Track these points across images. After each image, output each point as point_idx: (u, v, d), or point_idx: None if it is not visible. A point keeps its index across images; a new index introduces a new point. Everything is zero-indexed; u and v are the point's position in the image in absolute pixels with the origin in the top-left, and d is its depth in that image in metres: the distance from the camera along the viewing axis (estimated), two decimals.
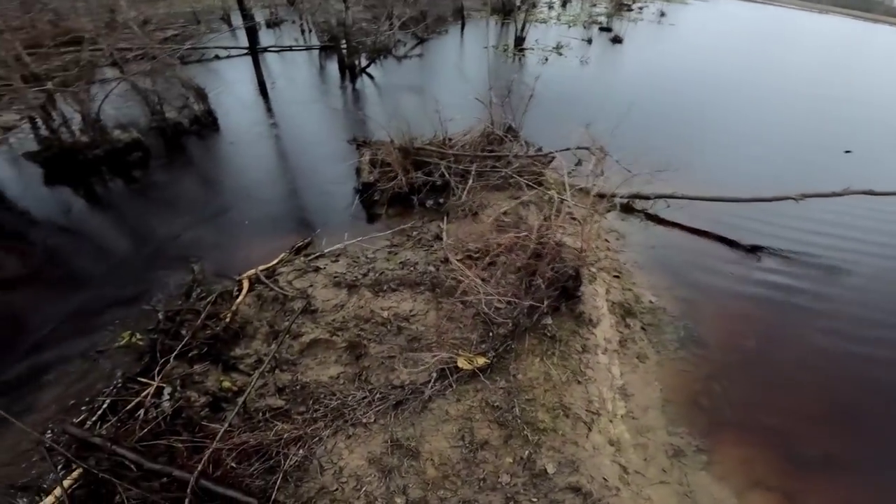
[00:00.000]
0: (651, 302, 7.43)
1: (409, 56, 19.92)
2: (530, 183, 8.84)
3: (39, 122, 11.10)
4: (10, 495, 4.17)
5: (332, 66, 19.41)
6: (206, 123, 12.25)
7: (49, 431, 4.56)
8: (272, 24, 29.84)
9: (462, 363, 5.31)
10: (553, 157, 9.88)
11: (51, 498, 3.86)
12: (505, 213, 8.07)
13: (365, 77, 17.49)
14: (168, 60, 12.47)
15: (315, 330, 5.74)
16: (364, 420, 4.75)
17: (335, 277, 6.71)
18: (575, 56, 21.58)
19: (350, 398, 4.95)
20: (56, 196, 9.16)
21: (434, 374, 5.18)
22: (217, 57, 21.08)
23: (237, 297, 6.41)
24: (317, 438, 4.55)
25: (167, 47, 17.44)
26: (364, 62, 18.12)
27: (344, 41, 18.06)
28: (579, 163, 9.74)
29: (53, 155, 9.75)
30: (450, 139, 9.74)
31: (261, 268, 6.94)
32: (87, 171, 9.77)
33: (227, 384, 5.03)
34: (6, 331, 6.25)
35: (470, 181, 8.75)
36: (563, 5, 36.77)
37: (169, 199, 9.22)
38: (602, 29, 29.44)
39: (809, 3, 65.34)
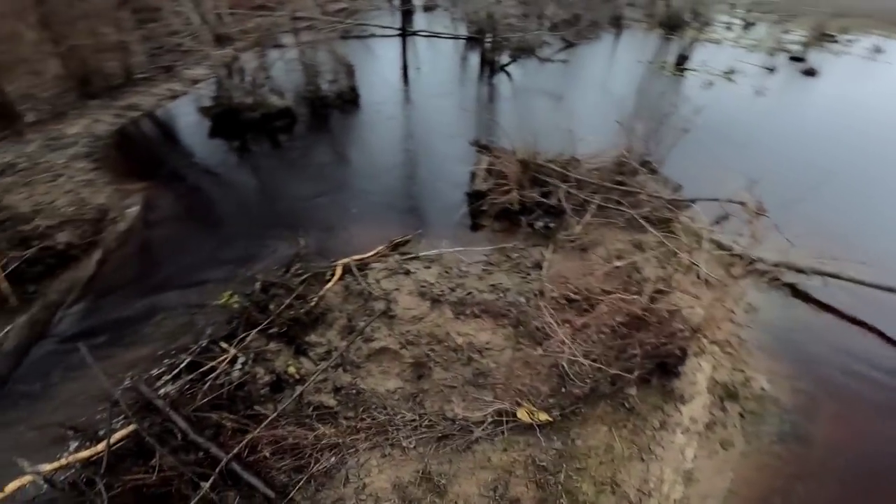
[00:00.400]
0: (762, 389, 6.17)
1: (553, 60, 19.02)
2: (657, 230, 7.80)
3: (220, 80, 12.86)
4: (64, 434, 4.64)
5: (474, 59, 19.40)
6: (349, 99, 13.15)
7: (128, 379, 4.94)
8: (427, 7, 30.90)
9: (522, 414, 4.89)
10: (691, 205, 8.61)
11: (99, 446, 4.25)
12: (619, 258, 7.24)
13: (504, 74, 17.17)
14: (331, 34, 13.51)
15: (387, 338, 5.72)
16: (404, 444, 4.61)
17: (422, 286, 6.57)
18: (749, 85, 18.09)
19: (399, 417, 4.84)
20: (213, 148, 10.61)
21: (489, 417, 4.86)
22: (372, 35, 22.46)
23: (328, 281, 6.61)
24: (353, 449, 4.52)
25: (333, 20, 19.03)
26: (506, 59, 17.76)
27: (489, 35, 17.86)
28: (725, 217, 8.32)
29: (221, 112, 11.22)
30: (576, 160, 9.02)
31: (355, 258, 7.06)
32: (243, 130, 11.14)
33: (292, 370, 5.23)
34: (132, 266, 7.31)
35: (588, 214, 7.99)
36: (746, 27, 31.90)
37: (300, 167, 10.08)
38: (793, 58, 24.35)
39: None
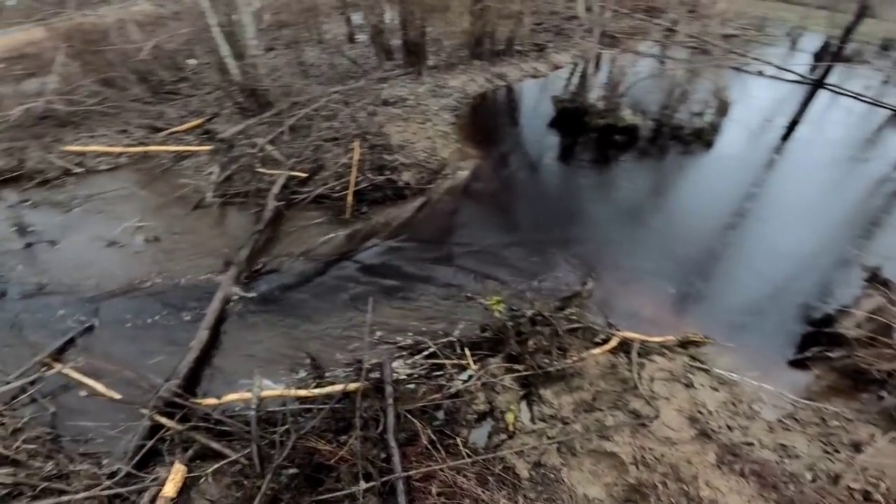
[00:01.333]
0: None
1: None
2: None
3: (580, 73, 12.86)
4: (300, 361, 5.28)
5: None
6: (705, 138, 11.21)
7: (380, 348, 5.44)
8: (848, 58, 23.70)
9: None
10: None
11: (314, 392, 4.83)
12: None
13: None
14: (717, 61, 11.72)
15: (623, 444, 4.63)
16: None
17: (698, 410, 5.20)
18: None
19: None
20: (548, 140, 10.71)
21: None
22: (760, 73, 18.77)
23: (597, 345, 5.76)
24: None
25: (727, 48, 16.60)
26: None
27: None
28: None
29: (568, 107, 11.16)
30: None
31: (640, 337, 5.91)
32: (582, 132, 10.83)
33: (510, 417, 4.71)
34: (437, 225, 7.78)
35: None
36: None
37: (621, 198, 9.14)
38: None
39: None
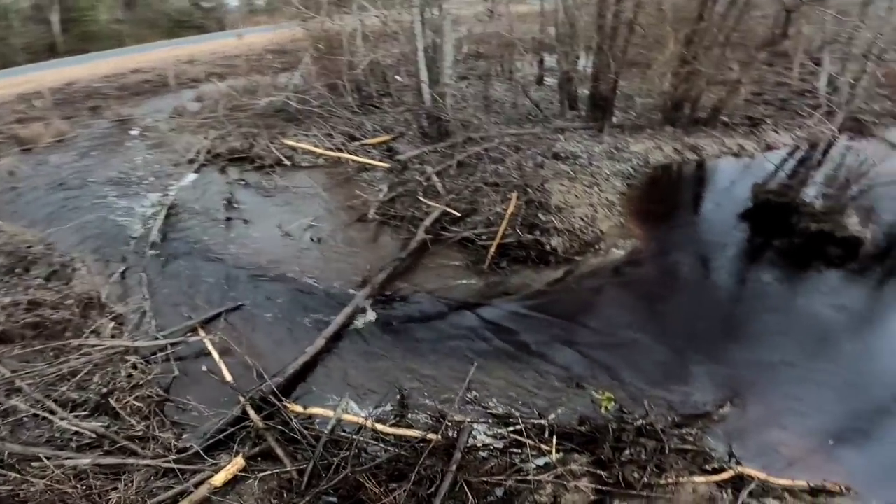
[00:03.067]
0: None
1: None
2: None
3: (793, 160, 10.86)
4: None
5: None
6: None
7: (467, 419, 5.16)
8: None
9: None
10: None
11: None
12: None
13: None
14: None
15: None
16: None
17: None
18: None
19: None
20: (732, 233, 9.06)
21: None
22: None
23: (705, 474, 4.98)
24: None
25: None
26: None
27: None
28: None
29: (773, 200, 9.40)
30: None
31: (761, 476, 4.99)
32: (780, 233, 8.86)
33: None
34: (575, 303, 7.28)
35: None
36: None
37: (800, 317, 7.38)
38: None
39: None
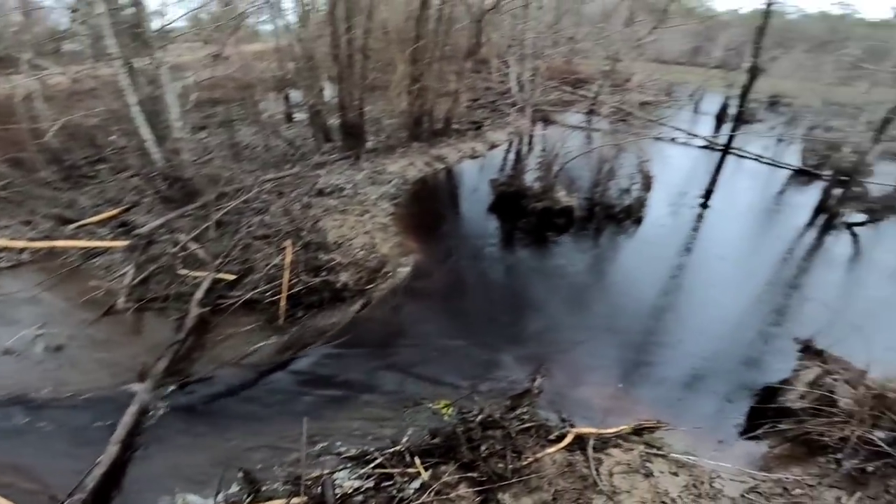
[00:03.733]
0: None
1: None
2: None
3: (515, 152, 13.57)
4: (232, 475, 4.94)
5: (800, 199, 15.76)
6: (634, 216, 11.93)
7: (319, 470, 5.09)
8: (744, 119, 26.87)
9: None
10: None
11: None
12: None
13: (847, 233, 13.25)
14: (640, 132, 12.72)
15: None
16: None
17: (661, 500, 5.26)
18: None
19: None
20: (489, 227, 10.93)
21: None
22: (673, 140, 20.80)
23: (552, 442, 5.75)
24: None
25: (648, 119, 18.31)
26: (857, 216, 13.69)
27: (834, 175, 14.06)
28: None
29: (506, 191, 11.56)
30: None
31: (594, 431, 5.97)
32: (521, 216, 11.10)
33: None
34: (380, 329, 7.59)
35: None
36: None
37: (564, 285, 9.32)
38: None
39: None
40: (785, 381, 7.26)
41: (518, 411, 6.20)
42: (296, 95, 17.69)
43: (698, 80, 32.16)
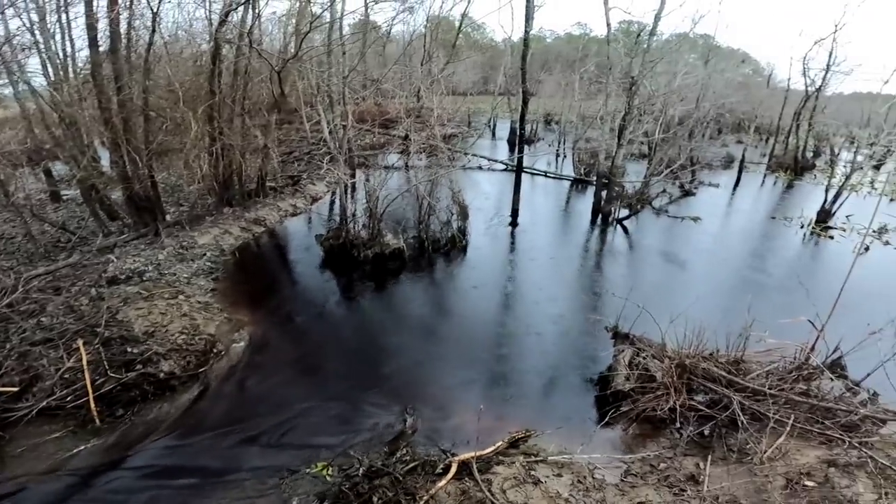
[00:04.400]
0: None
1: (680, 217, 18.38)
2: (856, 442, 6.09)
3: (337, 203, 13.63)
4: None
5: (582, 205, 19.37)
6: (458, 245, 13.08)
7: None
8: (529, 140, 31.95)
9: None
10: None
11: None
12: (807, 474, 5.76)
13: (618, 227, 16.71)
14: (449, 164, 13.90)
15: None
16: None
17: (556, 502, 5.53)
18: None
19: None
20: (324, 284, 10.69)
21: None
22: (480, 168, 23.63)
23: (439, 475, 5.73)
24: None
25: (454, 150, 20.24)
26: (623, 212, 17.32)
27: (604, 180, 17.53)
28: None
29: (335, 244, 11.54)
30: (742, 361, 7.51)
31: (477, 454, 6.10)
32: (355, 267, 11.15)
33: None
34: (227, 410, 6.96)
35: (770, 424, 6.37)
36: (877, 168, 29.61)
37: (409, 323, 9.65)
38: None
39: None
40: (611, 368, 8.23)
41: (398, 454, 6.20)
42: (62, 168, 14.89)
43: (490, 109, 36.86)
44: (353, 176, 15.84)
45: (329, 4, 14.45)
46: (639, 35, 17.75)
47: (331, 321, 9.49)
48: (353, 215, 12.05)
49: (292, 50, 13.98)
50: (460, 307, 10.66)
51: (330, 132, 18.64)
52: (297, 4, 15.43)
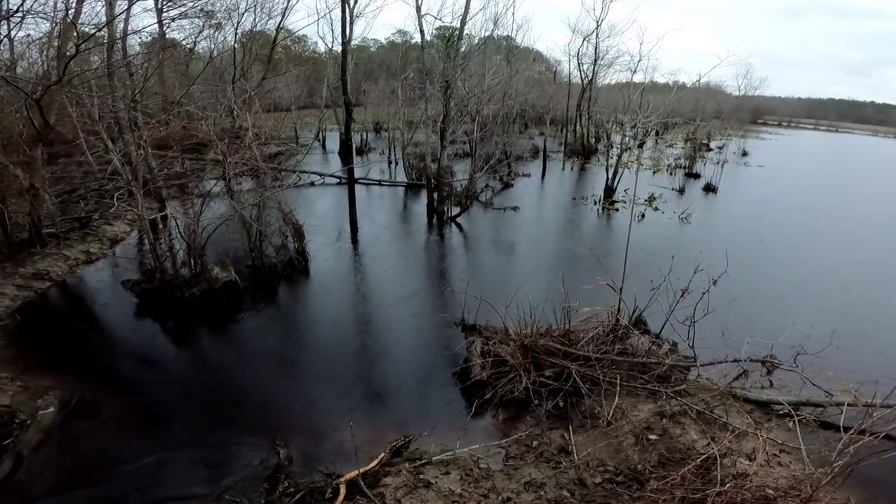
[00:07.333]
0: None
1: (502, 208, 20.90)
2: (674, 392, 7.81)
3: (146, 244, 12.17)
4: None
5: (418, 208, 20.74)
6: (298, 267, 12.89)
7: None
8: (360, 150, 32.79)
9: None
10: (693, 361, 8.67)
11: None
12: (648, 428, 7.11)
13: (453, 225, 18.35)
14: (275, 184, 13.52)
15: None
16: None
17: (452, 500, 5.87)
18: (672, 210, 21.04)
19: None
20: (145, 332, 9.65)
21: None
22: (312, 184, 23.39)
23: (332, 501, 5.75)
24: None
25: (277, 168, 19.49)
26: (454, 210, 19.05)
27: (433, 183, 19.02)
28: (743, 374, 8.63)
29: (152, 287, 10.44)
30: (571, 332, 8.83)
31: (362, 470, 6.17)
32: (181, 310, 10.18)
33: None
34: (53, 485, 6.10)
35: (603, 391, 7.73)
36: (640, 146, 37.74)
37: (258, 355, 9.32)
38: (688, 174, 30.14)
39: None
40: (467, 360, 8.92)
41: (280, 488, 6.04)
42: None
43: (317, 122, 36.49)
44: (162, 209, 14.30)
45: (106, 23, 12.84)
46: (449, 39, 19.73)
47: (164, 368, 8.70)
48: (170, 252, 11.03)
49: (55, 76, 12.02)
50: (311, 330, 10.70)
51: (124, 163, 16.50)
52: (59, 26, 13.29)
